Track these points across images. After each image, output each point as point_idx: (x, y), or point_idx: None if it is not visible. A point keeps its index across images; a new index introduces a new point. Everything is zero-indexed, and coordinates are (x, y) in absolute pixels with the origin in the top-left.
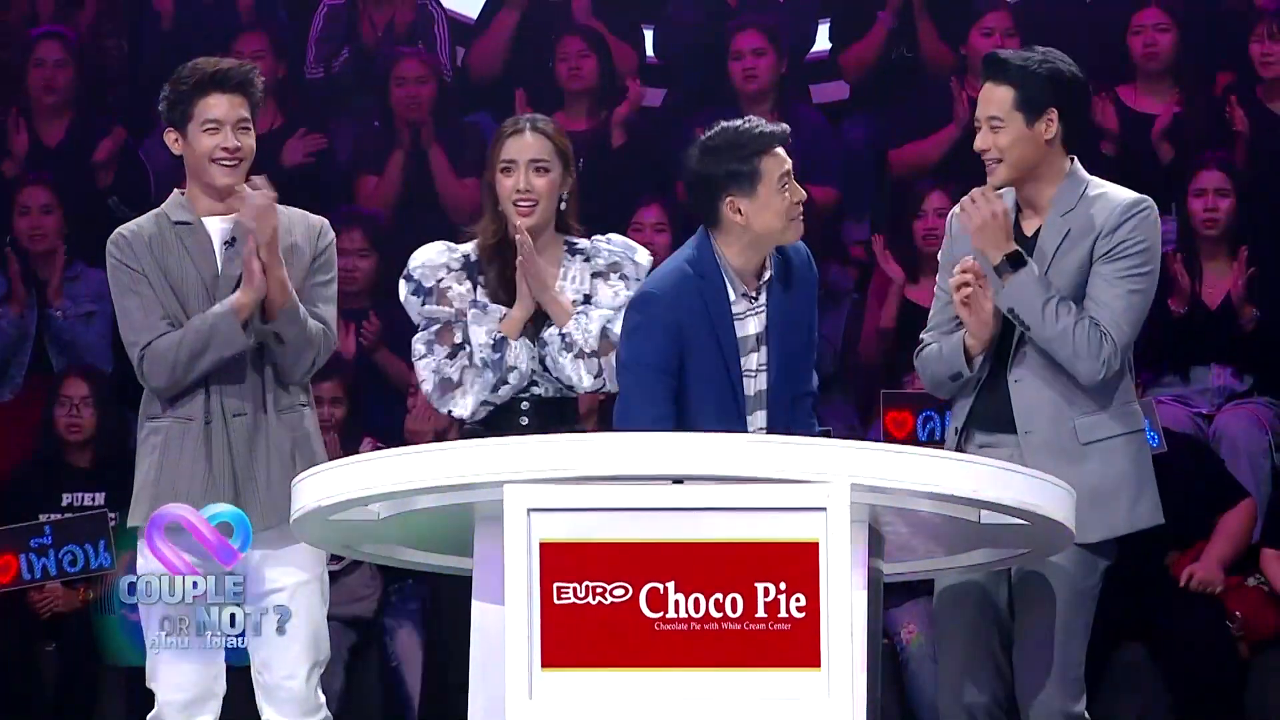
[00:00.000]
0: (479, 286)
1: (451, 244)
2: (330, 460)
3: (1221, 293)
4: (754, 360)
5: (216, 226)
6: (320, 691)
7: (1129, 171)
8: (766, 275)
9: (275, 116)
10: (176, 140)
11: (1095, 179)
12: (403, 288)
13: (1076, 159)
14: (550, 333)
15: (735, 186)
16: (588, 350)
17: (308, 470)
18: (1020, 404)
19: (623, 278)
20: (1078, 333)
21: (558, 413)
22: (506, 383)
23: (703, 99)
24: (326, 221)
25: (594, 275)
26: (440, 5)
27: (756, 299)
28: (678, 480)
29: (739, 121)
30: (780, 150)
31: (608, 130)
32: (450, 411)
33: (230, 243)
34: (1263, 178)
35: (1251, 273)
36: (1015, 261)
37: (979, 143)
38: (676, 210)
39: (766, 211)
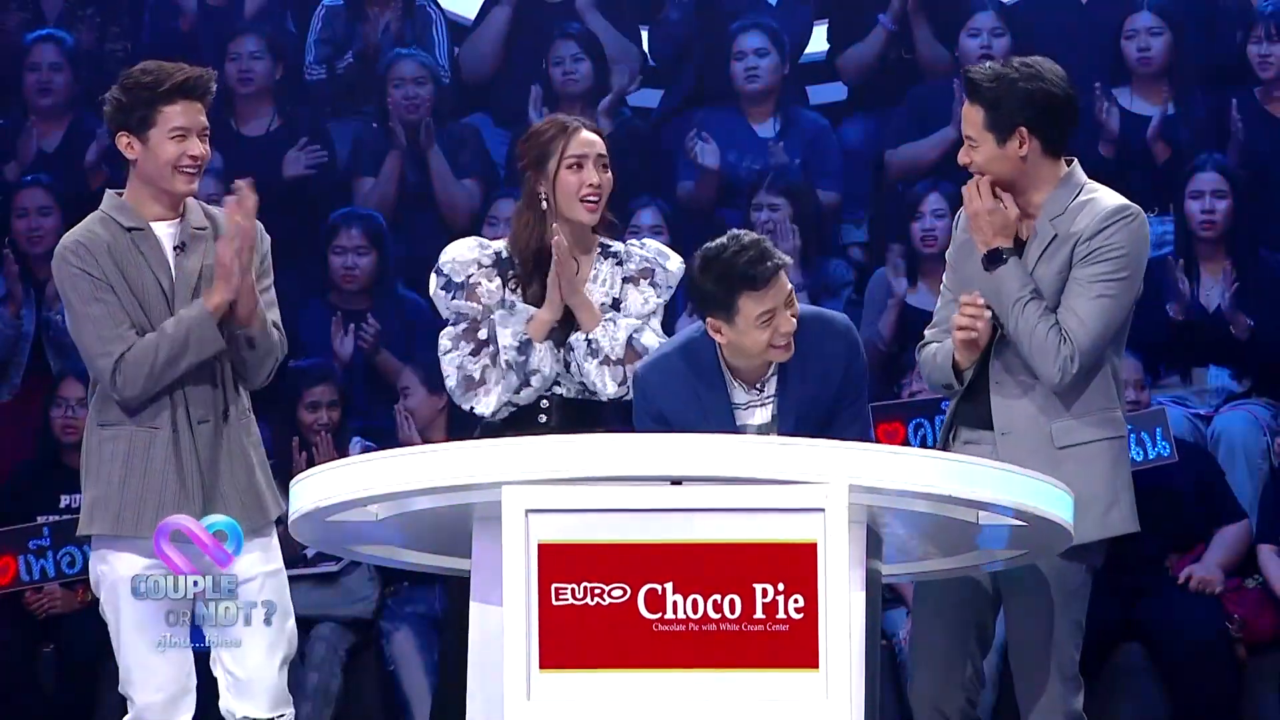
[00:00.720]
0: (508, 285)
1: (484, 240)
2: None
3: (1219, 295)
4: None
5: (164, 232)
6: (286, 688)
7: (1126, 173)
8: (770, 373)
9: (274, 118)
10: (130, 145)
11: (1091, 184)
12: (433, 281)
13: (1076, 162)
14: (577, 337)
15: (714, 310)
16: (614, 358)
17: (306, 471)
18: (999, 405)
19: (653, 284)
20: (1037, 334)
21: (580, 414)
22: (529, 385)
23: (700, 100)
24: (261, 225)
25: (625, 280)
26: (438, 6)
27: (763, 390)
28: (676, 481)
29: (743, 240)
30: (770, 287)
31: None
32: (473, 409)
33: (179, 248)
34: (1260, 180)
35: (1236, 284)
36: (997, 257)
37: (960, 157)
38: (672, 213)
39: (744, 340)
